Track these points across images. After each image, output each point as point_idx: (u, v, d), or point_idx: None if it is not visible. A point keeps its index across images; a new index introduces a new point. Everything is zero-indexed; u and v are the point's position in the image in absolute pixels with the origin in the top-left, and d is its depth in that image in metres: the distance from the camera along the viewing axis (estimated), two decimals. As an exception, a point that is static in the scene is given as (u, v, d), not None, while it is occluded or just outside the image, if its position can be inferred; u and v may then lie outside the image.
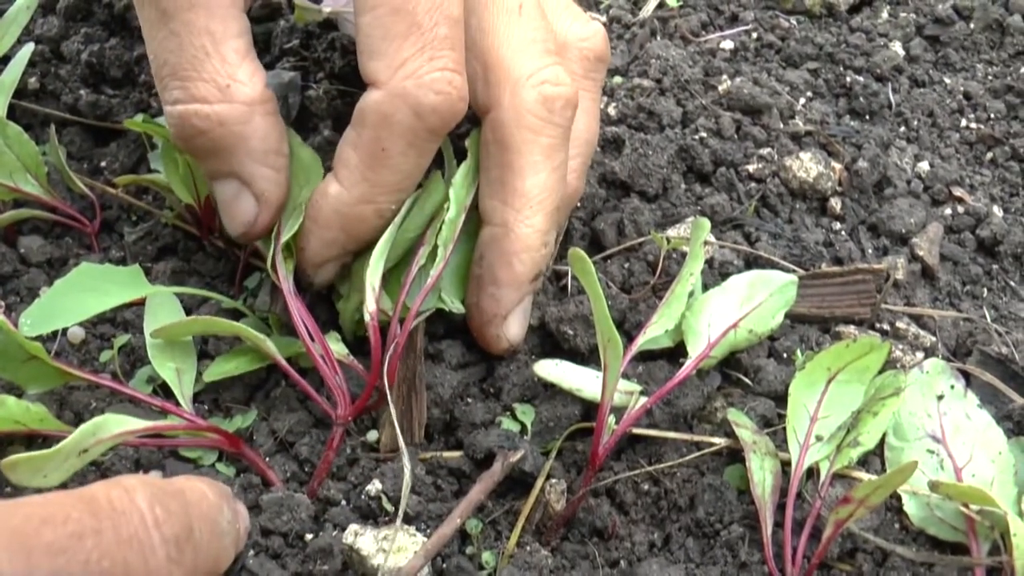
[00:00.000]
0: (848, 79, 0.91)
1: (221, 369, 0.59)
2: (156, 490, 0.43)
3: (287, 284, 0.58)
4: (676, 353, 0.64)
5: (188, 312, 0.63)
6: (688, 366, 0.61)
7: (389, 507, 0.54)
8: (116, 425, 0.49)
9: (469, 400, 0.61)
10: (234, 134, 0.56)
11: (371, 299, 0.57)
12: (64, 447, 0.46)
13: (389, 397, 0.55)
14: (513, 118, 0.59)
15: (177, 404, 0.57)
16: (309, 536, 0.53)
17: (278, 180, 0.58)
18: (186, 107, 0.55)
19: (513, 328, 0.61)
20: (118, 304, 0.56)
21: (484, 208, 0.60)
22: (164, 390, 0.59)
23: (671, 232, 0.74)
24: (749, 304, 0.65)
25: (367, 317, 0.57)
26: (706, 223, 0.65)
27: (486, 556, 0.54)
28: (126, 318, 0.64)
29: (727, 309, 0.64)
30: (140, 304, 0.64)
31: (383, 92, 0.55)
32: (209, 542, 0.45)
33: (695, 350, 0.62)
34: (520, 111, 0.59)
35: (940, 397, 0.62)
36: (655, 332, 0.62)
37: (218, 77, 0.55)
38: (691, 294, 0.64)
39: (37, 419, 0.50)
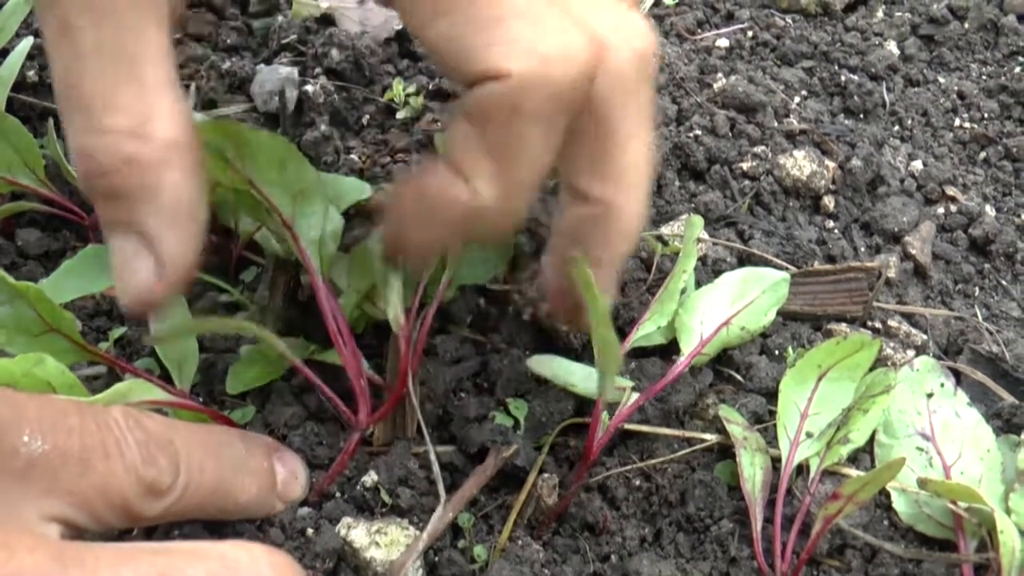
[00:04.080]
0: (843, 78, 0.92)
1: (245, 379, 0.59)
2: (132, 410, 0.46)
3: (318, 280, 0.57)
4: (669, 350, 0.64)
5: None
6: (681, 363, 0.61)
7: (387, 499, 0.54)
8: (144, 391, 0.51)
9: (463, 395, 0.61)
10: (143, 182, 0.45)
11: (399, 310, 0.57)
12: (98, 400, 0.48)
13: (410, 404, 0.56)
14: (609, 83, 0.51)
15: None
16: (310, 532, 0.53)
17: (186, 247, 0.47)
18: (89, 141, 0.45)
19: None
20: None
21: (577, 186, 0.54)
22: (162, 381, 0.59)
23: (665, 230, 0.74)
24: (741, 301, 0.65)
25: (395, 328, 0.56)
26: (699, 220, 0.66)
27: (478, 550, 0.54)
28: (122, 310, 0.64)
29: (719, 306, 0.65)
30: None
31: (509, 80, 0.46)
32: (203, 463, 0.47)
33: (688, 347, 0.63)
34: (615, 74, 0.51)
35: (930, 395, 0.63)
36: (648, 329, 0.63)
37: (131, 109, 0.44)
38: (684, 291, 0.64)
39: (67, 385, 0.50)
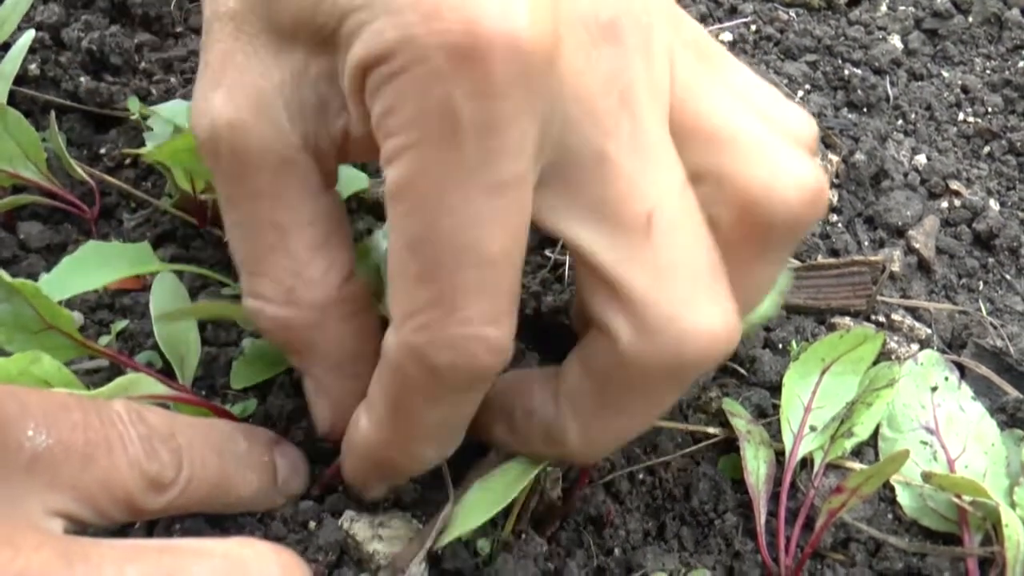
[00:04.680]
0: (846, 72, 0.92)
1: (249, 373, 0.59)
2: (134, 404, 0.46)
3: None
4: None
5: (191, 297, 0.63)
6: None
7: (389, 492, 0.54)
8: (146, 385, 0.51)
9: (466, 388, 0.61)
10: (301, 339, 0.48)
11: None
12: (99, 393, 0.48)
13: None
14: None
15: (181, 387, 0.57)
16: (312, 525, 0.53)
17: (353, 389, 0.49)
18: (253, 303, 0.48)
19: None
20: (128, 275, 0.57)
21: None
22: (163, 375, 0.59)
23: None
24: None
25: None
26: None
27: (481, 543, 0.54)
28: (124, 304, 0.64)
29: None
30: (139, 290, 0.64)
31: (395, 340, 0.43)
32: (205, 457, 0.47)
33: None
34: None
35: (934, 389, 0.63)
36: None
37: (283, 276, 0.46)
38: None
39: (65, 382, 0.50)
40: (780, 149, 0.42)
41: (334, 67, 0.41)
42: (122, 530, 0.50)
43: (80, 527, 0.42)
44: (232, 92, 0.44)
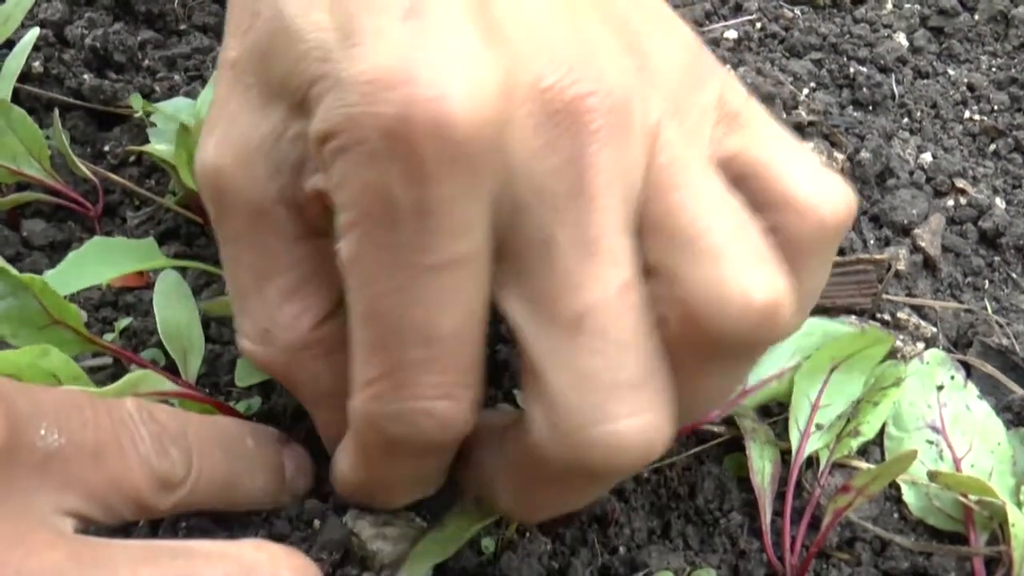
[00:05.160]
0: (852, 70, 0.91)
1: (254, 371, 0.59)
2: (145, 402, 0.46)
3: None
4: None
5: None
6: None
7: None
8: (153, 382, 0.51)
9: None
10: (280, 376, 0.49)
11: None
12: (108, 391, 0.48)
13: None
14: None
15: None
16: (316, 523, 0.53)
17: (338, 419, 0.48)
18: (238, 338, 0.48)
19: None
20: (134, 271, 0.57)
21: None
22: (167, 372, 0.59)
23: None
24: None
25: None
26: None
27: (486, 542, 0.54)
28: (128, 301, 0.64)
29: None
30: (142, 288, 0.64)
31: (352, 405, 0.43)
32: (213, 456, 0.47)
33: None
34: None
35: (940, 387, 0.63)
36: None
37: (258, 318, 0.47)
38: None
39: (72, 377, 0.50)
40: (739, 259, 0.39)
41: (306, 130, 0.41)
42: (125, 528, 0.50)
43: (89, 525, 0.42)
44: (222, 138, 0.45)
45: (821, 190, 0.44)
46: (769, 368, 0.62)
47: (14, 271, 0.50)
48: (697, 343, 0.40)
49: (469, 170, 0.37)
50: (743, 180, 0.44)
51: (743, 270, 0.39)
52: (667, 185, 0.41)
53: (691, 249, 0.40)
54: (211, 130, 0.46)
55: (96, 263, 0.57)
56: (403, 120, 0.36)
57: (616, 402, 0.39)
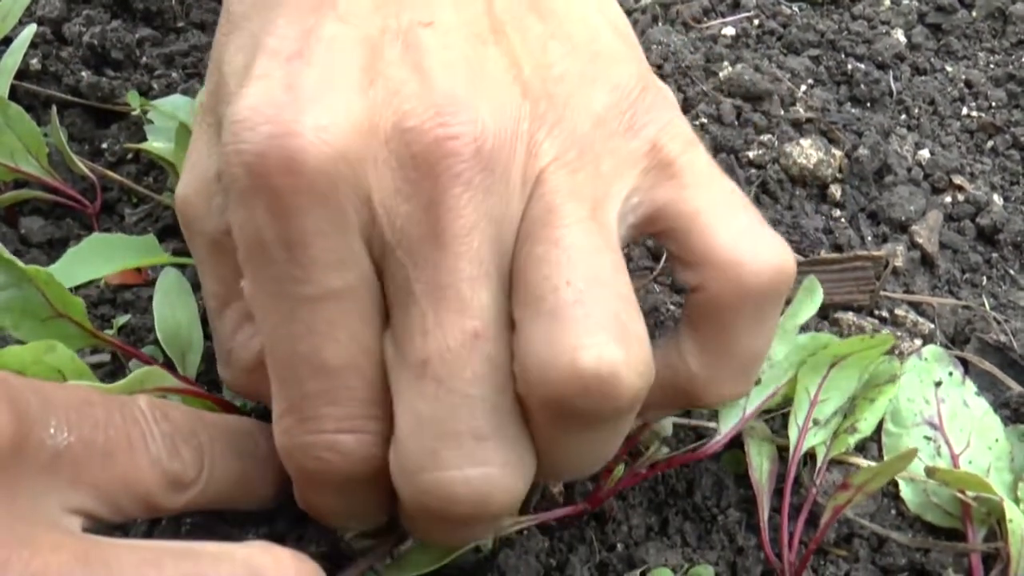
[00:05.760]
0: (849, 66, 0.91)
1: None
2: (158, 401, 0.46)
3: None
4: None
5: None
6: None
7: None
8: (160, 378, 0.51)
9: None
10: (247, 395, 0.52)
11: None
12: (115, 388, 0.48)
13: None
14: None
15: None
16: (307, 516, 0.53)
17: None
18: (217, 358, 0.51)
19: None
20: (133, 266, 0.58)
21: None
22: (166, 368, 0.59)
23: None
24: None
25: None
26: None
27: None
28: (126, 299, 0.64)
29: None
30: (140, 285, 0.64)
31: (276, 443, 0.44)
32: (225, 456, 0.47)
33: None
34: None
35: (938, 384, 0.63)
36: None
37: (222, 340, 0.49)
38: None
39: (77, 373, 0.50)
40: (577, 323, 0.38)
41: None
42: (122, 526, 0.50)
43: (98, 524, 0.42)
44: (189, 172, 0.48)
45: (745, 249, 0.43)
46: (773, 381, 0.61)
47: (19, 262, 0.50)
48: (536, 404, 0.40)
49: (324, 203, 0.38)
50: (670, 234, 0.44)
51: (577, 335, 0.38)
52: (535, 236, 0.40)
53: (536, 307, 0.39)
54: (186, 164, 0.49)
55: (95, 259, 0.57)
56: (260, 156, 0.38)
57: (451, 451, 0.40)
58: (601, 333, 0.38)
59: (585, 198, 0.41)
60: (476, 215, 0.39)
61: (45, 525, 0.38)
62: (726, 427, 0.58)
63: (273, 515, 0.52)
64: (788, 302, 0.66)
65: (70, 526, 0.40)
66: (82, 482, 0.41)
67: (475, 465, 0.40)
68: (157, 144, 0.68)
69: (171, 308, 0.59)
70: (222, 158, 0.40)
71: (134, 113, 0.74)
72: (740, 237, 0.43)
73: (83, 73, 0.79)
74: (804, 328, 0.67)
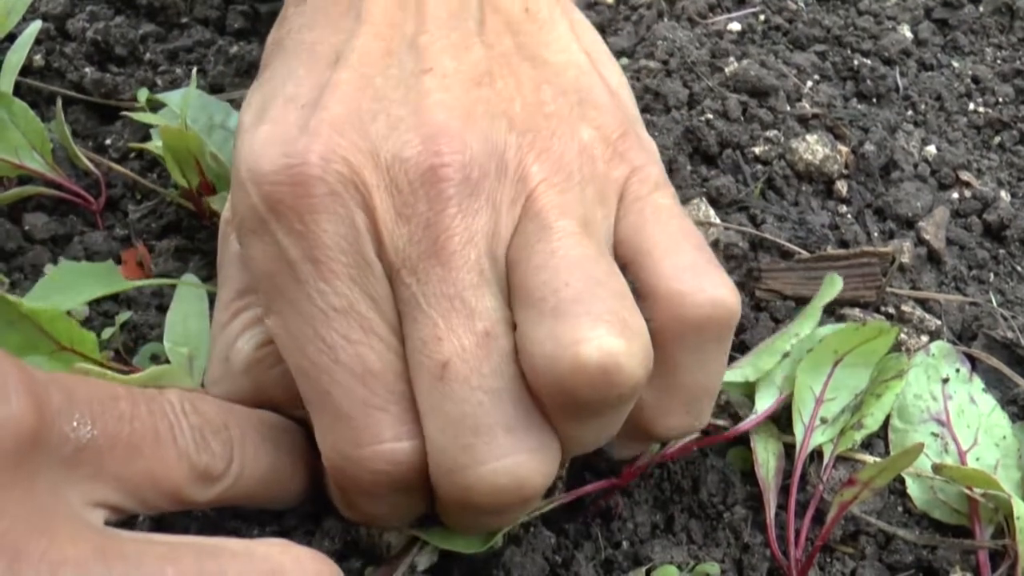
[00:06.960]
0: (856, 62, 0.91)
1: None
2: (188, 394, 0.46)
3: None
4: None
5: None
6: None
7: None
8: (174, 376, 0.51)
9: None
10: (247, 402, 0.51)
11: None
12: (132, 380, 0.48)
13: None
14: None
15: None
16: (322, 514, 0.53)
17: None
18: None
19: None
20: (91, 299, 0.58)
21: None
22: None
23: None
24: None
25: None
26: (838, 281, 0.65)
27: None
28: (129, 295, 0.64)
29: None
30: (142, 281, 0.64)
31: (323, 457, 0.46)
32: (257, 450, 0.47)
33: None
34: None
35: (945, 380, 0.62)
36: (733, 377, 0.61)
37: (220, 349, 0.51)
38: (787, 355, 0.62)
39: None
40: (578, 318, 0.41)
41: None
42: (128, 522, 0.50)
43: (124, 516, 0.42)
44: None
45: (687, 283, 0.46)
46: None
47: (24, 303, 0.50)
48: (546, 397, 0.42)
49: (340, 219, 0.42)
50: (629, 266, 0.47)
51: (578, 328, 0.41)
52: (532, 249, 0.44)
53: (539, 307, 0.42)
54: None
55: (67, 290, 0.57)
56: (275, 185, 0.43)
57: (486, 445, 0.42)
58: (601, 327, 0.41)
59: (575, 215, 0.45)
60: (469, 231, 0.43)
61: (64, 517, 0.38)
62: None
63: (281, 511, 0.52)
64: (787, 315, 0.66)
65: (91, 519, 0.40)
66: (105, 476, 0.41)
67: (510, 455, 0.42)
68: (160, 143, 0.68)
69: (183, 325, 0.59)
70: (237, 189, 0.44)
71: (137, 107, 0.74)
72: (684, 272, 0.46)
73: (87, 69, 0.79)
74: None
